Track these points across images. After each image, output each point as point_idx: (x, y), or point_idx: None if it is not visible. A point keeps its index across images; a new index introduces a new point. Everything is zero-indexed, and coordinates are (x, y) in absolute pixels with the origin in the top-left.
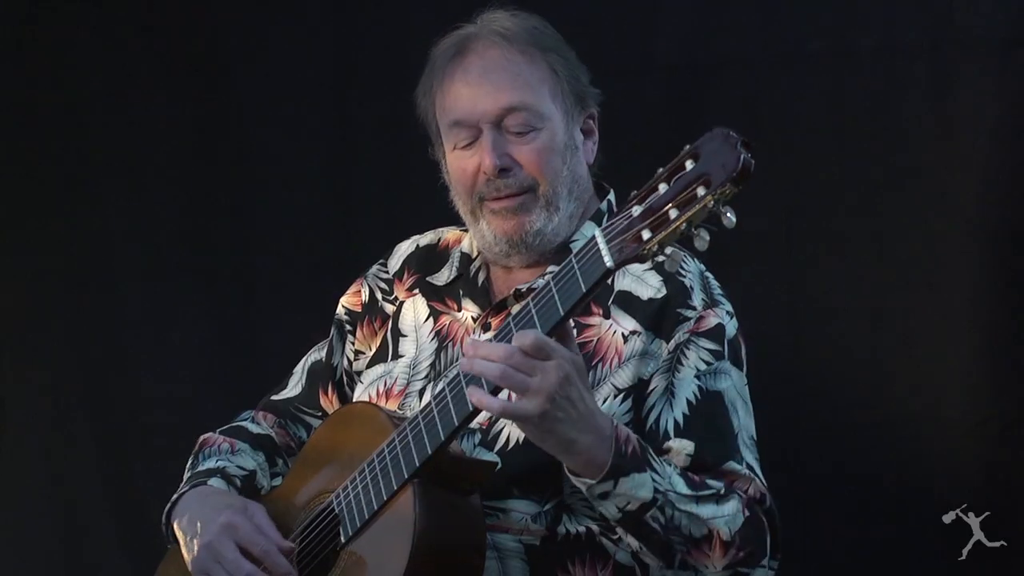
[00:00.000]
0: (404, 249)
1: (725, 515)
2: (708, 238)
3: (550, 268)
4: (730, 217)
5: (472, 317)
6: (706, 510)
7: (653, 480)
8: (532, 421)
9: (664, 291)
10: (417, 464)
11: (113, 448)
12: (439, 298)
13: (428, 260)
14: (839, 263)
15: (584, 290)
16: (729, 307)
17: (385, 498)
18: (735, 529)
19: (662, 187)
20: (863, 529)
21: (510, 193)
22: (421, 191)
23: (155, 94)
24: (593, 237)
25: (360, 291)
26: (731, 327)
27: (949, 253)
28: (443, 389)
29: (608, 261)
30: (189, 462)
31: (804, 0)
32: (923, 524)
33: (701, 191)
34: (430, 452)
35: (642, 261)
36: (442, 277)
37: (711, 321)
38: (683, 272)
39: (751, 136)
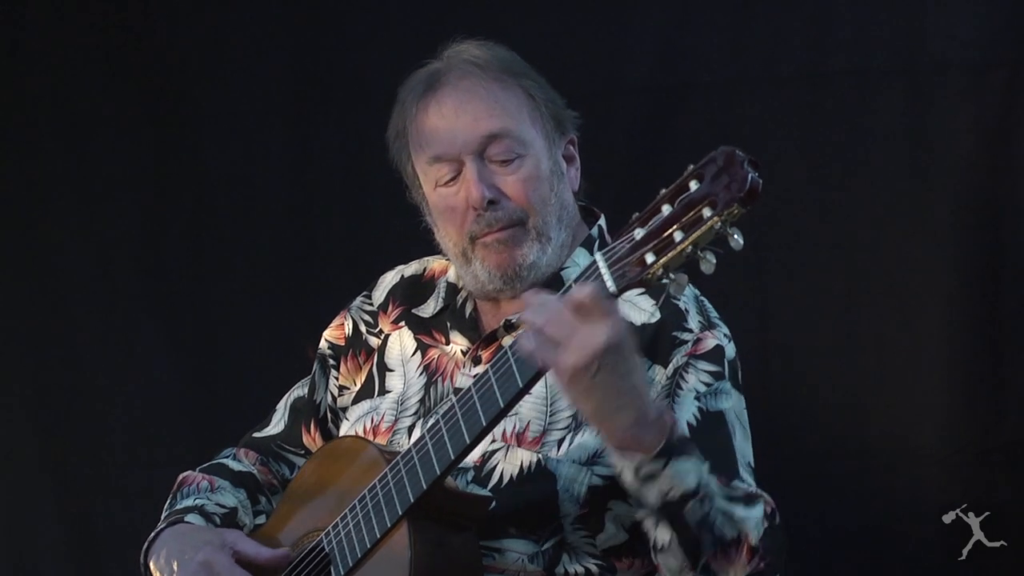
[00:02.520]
0: (388, 280)
1: (755, 518)
2: (715, 261)
3: None
4: (737, 239)
5: (461, 350)
6: (739, 510)
7: (697, 470)
8: (564, 375)
9: (658, 315)
10: (411, 499)
11: (69, 483)
12: (426, 331)
13: (413, 291)
14: (810, 292)
15: None
16: (726, 330)
17: (378, 536)
18: (760, 535)
19: (665, 208)
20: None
21: (501, 227)
22: (384, 217)
23: (111, 117)
24: (594, 261)
25: (343, 324)
26: (730, 349)
27: (923, 281)
28: (437, 421)
29: (611, 286)
30: (168, 501)
31: (775, 23)
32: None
33: (707, 212)
34: (425, 487)
35: (646, 286)
36: (428, 309)
37: (709, 343)
38: (677, 296)
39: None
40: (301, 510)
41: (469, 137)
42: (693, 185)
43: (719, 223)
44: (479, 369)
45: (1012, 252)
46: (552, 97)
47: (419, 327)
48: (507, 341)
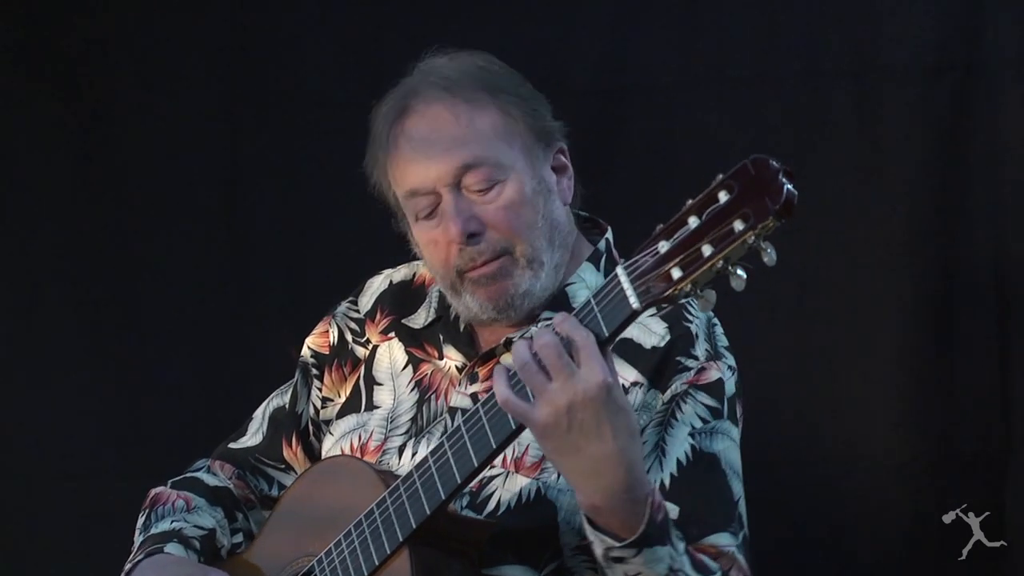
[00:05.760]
0: (376, 285)
1: None
2: (745, 277)
3: (545, 314)
4: (771, 254)
5: (456, 366)
6: None
7: (670, 556)
8: (535, 430)
9: (668, 337)
10: (414, 525)
11: None
12: (417, 343)
13: (403, 299)
14: (759, 299)
15: (606, 335)
16: (732, 362)
17: (377, 563)
18: None
19: (692, 221)
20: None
21: (486, 260)
22: (318, 224)
23: (36, 124)
24: (615, 275)
25: (328, 331)
26: (731, 384)
27: (875, 289)
28: (442, 443)
29: (634, 302)
30: (140, 521)
31: (724, 24)
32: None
33: (739, 226)
34: (428, 512)
35: (671, 303)
36: (419, 319)
37: (712, 375)
38: (690, 317)
39: (669, 163)
40: (291, 533)
41: (442, 170)
42: (723, 196)
43: (752, 237)
44: (476, 387)
45: (965, 258)
46: (534, 107)
47: (410, 339)
48: (506, 359)
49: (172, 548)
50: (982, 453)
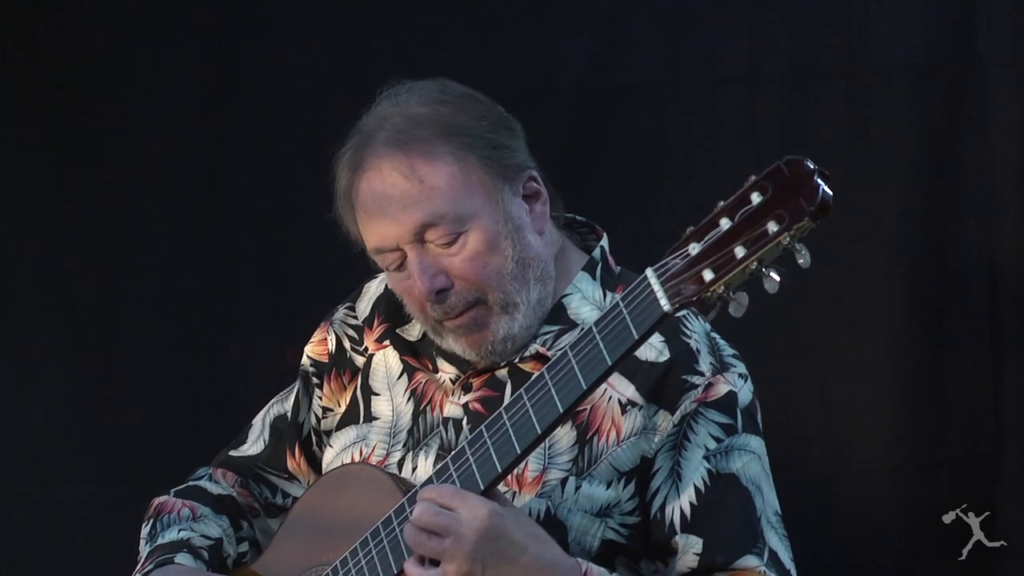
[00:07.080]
0: (373, 290)
1: None
2: (779, 279)
3: (544, 328)
4: (805, 255)
5: (451, 379)
6: None
7: None
8: None
9: (667, 354)
10: None
11: None
12: (412, 353)
13: (399, 305)
14: (749, 301)
15: (636, 337)
16: (742, 369)
17: (396, 572)
18: None
19: (723, 222)
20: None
21: (459, 312)
22: (298, 224)
23: (13, 123)
24: (645, 277)
25: (326, 339)
26: (744, 393)
27: (866, 289)
28: (463, 449)
29: (665, 305)
30: (145, 530)
31: (714, 23)
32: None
33: (773, 227)
34: None
35: (703, 306)
36: (413, 331)
37: (721, 389)
38: (688, 332)
39: (659, 163)
40: (303, 542)
41: (401, 230)
42: (755, 198)
43: (787, 238)
44: (469, 396)
45: (957, 258)
46: (496, 143)
47: (405, 348)
48: (500, 373)
49: (183, 559)
50: (976, 453)
